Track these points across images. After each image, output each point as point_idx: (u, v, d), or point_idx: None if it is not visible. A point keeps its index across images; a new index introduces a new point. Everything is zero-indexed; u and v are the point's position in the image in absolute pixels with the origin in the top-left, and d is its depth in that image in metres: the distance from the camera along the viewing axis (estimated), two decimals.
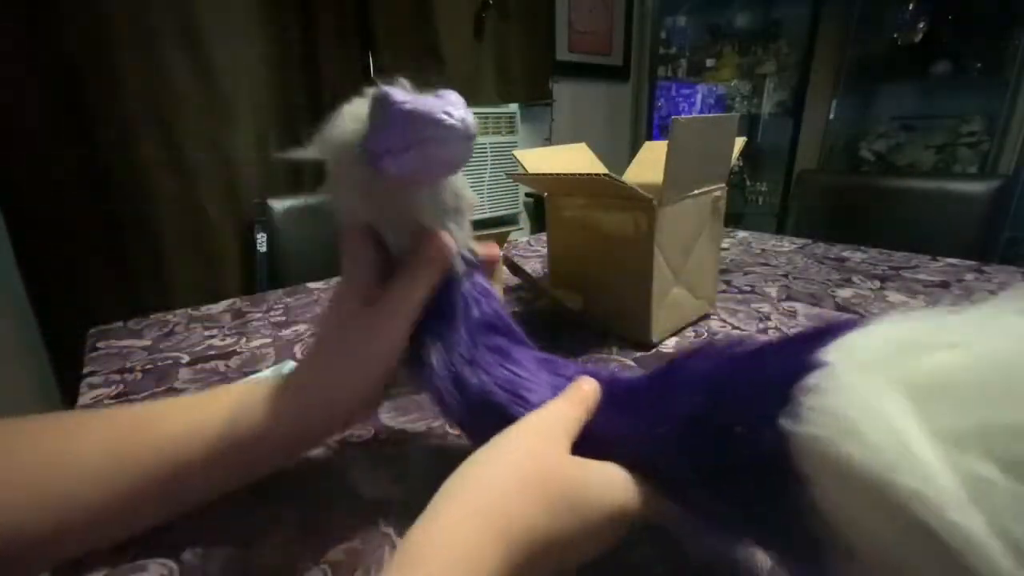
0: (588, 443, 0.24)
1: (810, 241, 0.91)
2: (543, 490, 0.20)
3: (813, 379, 0.18)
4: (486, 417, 0.26)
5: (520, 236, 1.11)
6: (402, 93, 0.24)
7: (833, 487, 0.17)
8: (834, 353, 0.19)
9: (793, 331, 0.24)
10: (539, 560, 0.20)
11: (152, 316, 0.63)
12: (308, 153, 0.27)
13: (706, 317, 0.57)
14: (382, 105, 0.24)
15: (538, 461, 0.21)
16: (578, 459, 0.23)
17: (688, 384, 0.23)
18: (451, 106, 0.24)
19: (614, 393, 0.26)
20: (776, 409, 0.18)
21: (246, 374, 0.47)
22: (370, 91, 0.25)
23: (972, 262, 0.74)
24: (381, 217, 0.28)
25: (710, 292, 0.58)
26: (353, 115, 0.26)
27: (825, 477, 0.17)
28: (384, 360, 0.28)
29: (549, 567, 0.21)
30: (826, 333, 0.20)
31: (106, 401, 0.43)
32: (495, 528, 0.19)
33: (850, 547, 0.17)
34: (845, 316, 0.30)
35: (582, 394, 0.26)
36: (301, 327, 0.58)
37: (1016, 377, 0.14)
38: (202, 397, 0.29)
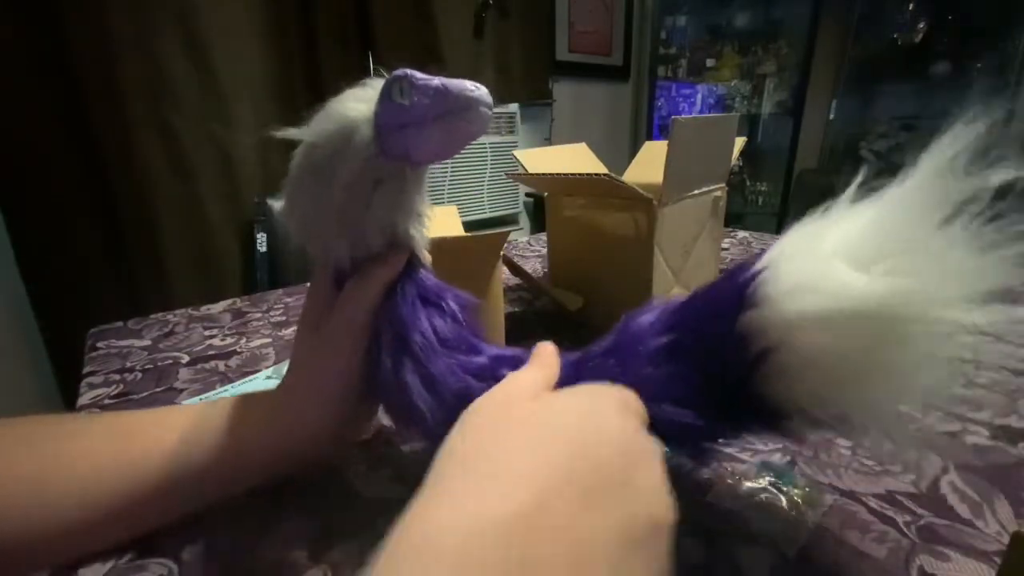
0: None
1: None
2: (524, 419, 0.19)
3: (759, 279, 0.23)
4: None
5: (520, 236, 1.11)
6: (420, 73, 0.25)
7: (797, 335, 0.21)
8: (765, 260, 0.24)
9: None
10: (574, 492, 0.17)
11: (152, 316, 0.62)
12: (301, 134, 0.27)
13: None
14: (407, 80, 0.25)
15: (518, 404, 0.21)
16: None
17: (649, 329, 0.27)
18: (469, 82, 0.25)
19: (577, 362, 0.28)
20: (733, 318, 0.23)
21: (246, 374, 0.47)
22: (377, 77, 0.26)
23: None
24: (355, 210, 0.28)
25: None
26: (358, 97, 0.27)
27: (789, 332, 0.21)
28: (341, 383, 0.29)
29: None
30: (751, 261, 0.25)
31: (106, 401, 0.43)
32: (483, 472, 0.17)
33: (796, 403, 0.22)
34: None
35: (545, 355, 0.26)
36: None
37: (878, 232, 0.22)
38: (198, 408, 0.30)
